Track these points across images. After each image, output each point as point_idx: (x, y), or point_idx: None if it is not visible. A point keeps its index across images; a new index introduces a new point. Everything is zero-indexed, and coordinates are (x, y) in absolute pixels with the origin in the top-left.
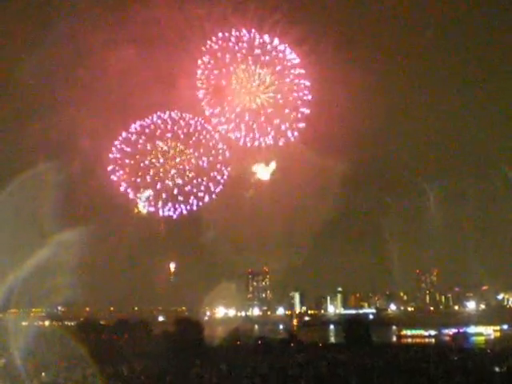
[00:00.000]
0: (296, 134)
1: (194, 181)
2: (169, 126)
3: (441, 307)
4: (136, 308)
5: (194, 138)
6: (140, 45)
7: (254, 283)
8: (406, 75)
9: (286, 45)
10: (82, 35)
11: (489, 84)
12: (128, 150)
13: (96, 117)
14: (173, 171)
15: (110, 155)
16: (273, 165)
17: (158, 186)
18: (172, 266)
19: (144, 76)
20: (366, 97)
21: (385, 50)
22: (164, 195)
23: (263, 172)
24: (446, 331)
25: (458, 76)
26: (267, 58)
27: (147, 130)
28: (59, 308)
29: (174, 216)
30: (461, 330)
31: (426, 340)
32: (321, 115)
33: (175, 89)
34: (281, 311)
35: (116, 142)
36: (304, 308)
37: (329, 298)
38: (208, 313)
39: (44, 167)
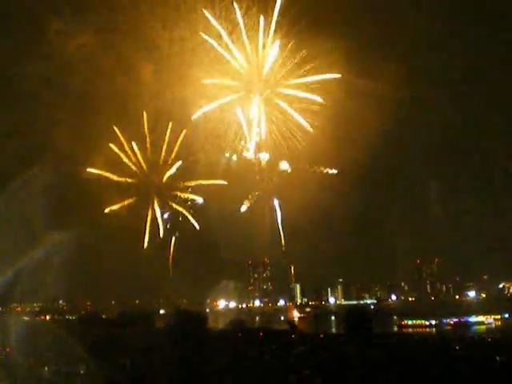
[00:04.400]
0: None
1: None
2: None
3: (441, 297)
4: (137, 301)
5: None
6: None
7: (255, 275)
8: (408, 71)
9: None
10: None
11: (490, 80)
12: None
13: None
14: None
15: None
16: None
17: None
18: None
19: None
20: (367, 92)
21: (386, 45)
22: None
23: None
24: (447, 320)
25: (459, 71)
26: None
27: None
28: (60, 302)
29: None
30: (462, 320)
31: (427, 329)
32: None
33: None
34: (282, 303)
35: None
36: (305, 299)
37: (329, 289)
38: (209, 305)
39: (36, 170)
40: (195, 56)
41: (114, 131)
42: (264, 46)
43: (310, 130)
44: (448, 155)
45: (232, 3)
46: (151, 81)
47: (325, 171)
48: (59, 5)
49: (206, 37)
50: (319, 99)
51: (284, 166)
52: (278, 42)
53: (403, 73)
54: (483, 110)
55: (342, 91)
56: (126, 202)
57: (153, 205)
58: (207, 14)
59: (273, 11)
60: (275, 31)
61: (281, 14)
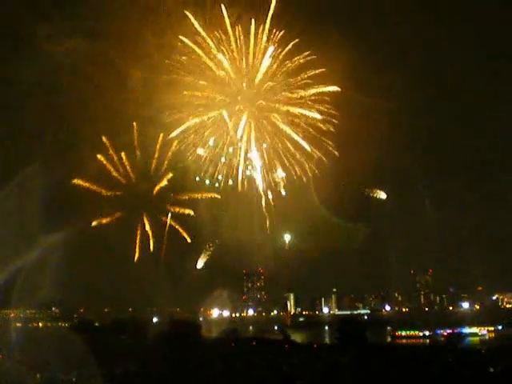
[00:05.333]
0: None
1: None
2: None
3: (435, 308)
4: (130, 309)
5: None
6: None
7: (249, 284)
8: (406, 75)
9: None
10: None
11: (489, 85)
12: None
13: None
14: None
15: None
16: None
17: None
18: None
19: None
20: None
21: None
22: None
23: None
24: (441, 331)
25: (458, 76)
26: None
27: None
28: (53, 309)
29: None
30: (455, 331)
31: (421, 340)
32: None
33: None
34: (275, 312)
35: None
36: (299, 309)
37: (323, 298)
38: (203, 313)
39: (22, 178)
40: (184, 64)
41: (103, 139)
42: (255, 55)
43: (308, 148)
44: (445, 166)
45: (221, 11)
46: (140, 88)
47: (374, 194)
48: (48, 11)
49: (192, 45)
50: (316, 115)
51: (279, 173)
52: (270, 50)
53: (403, 83)
54: (485, 120)
55: (338, 102)
56: (115, 216)
57: (142, 218)
58: (196, 23)
59: (265, 19)
60: (267, 40)
61: (273, 22)
